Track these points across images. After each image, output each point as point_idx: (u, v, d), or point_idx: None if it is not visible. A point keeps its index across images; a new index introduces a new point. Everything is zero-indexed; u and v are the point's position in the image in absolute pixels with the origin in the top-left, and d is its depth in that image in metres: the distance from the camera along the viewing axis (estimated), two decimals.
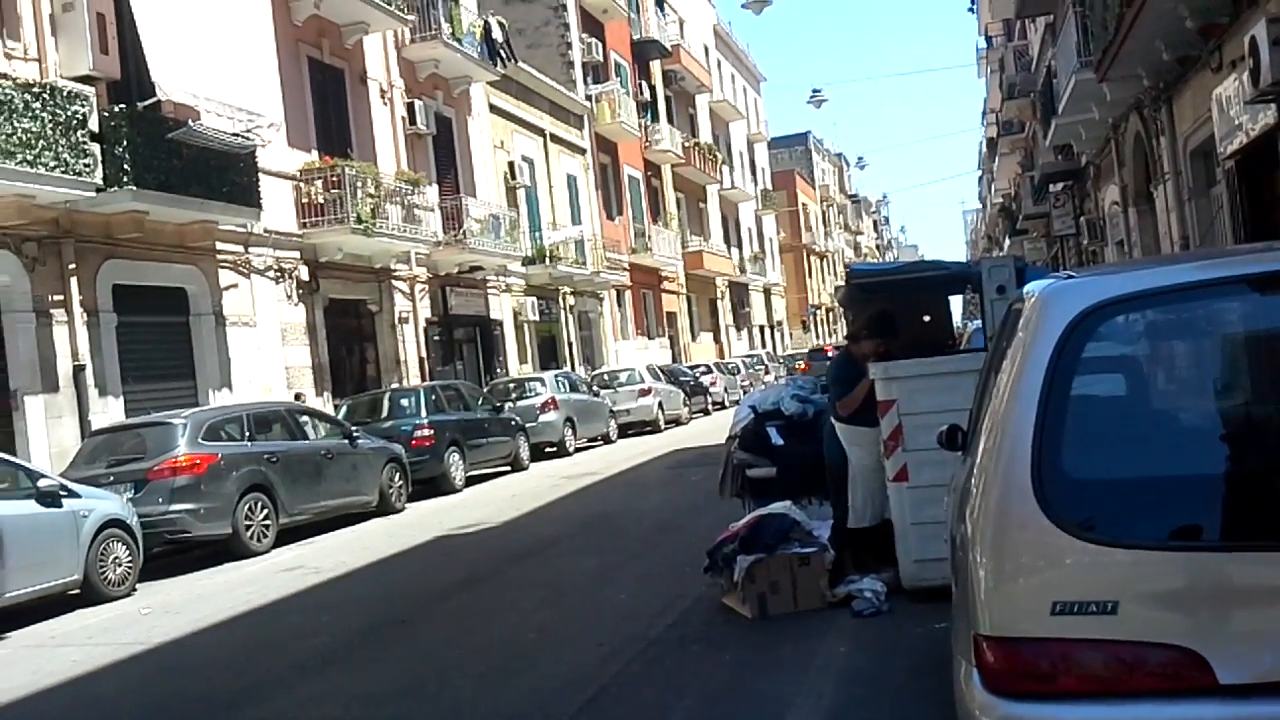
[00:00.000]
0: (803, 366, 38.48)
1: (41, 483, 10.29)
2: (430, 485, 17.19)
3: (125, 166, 14.40)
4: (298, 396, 17.62)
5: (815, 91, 49.73)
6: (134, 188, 14.53)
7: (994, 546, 2.91)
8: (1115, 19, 13.24)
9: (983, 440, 3.18)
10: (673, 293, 42.28)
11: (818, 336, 70.69)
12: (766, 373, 40.65)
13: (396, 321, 22.57)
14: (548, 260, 29.11)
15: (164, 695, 6.92)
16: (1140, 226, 19.91)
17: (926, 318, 9.22)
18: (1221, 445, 3.00)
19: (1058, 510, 2.77)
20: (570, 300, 32.01)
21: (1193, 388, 3.22)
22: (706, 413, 31.46)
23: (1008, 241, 51.86)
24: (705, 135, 49.27)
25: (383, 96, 23.22)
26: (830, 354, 45.80)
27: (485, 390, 22.43)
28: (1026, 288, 3.60)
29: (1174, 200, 15.88)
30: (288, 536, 13.36)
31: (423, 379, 22.29)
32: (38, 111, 13.22)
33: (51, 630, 9.53)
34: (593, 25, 36.94)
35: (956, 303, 22.79)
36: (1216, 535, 2.78)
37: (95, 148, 14.06)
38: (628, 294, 37.04)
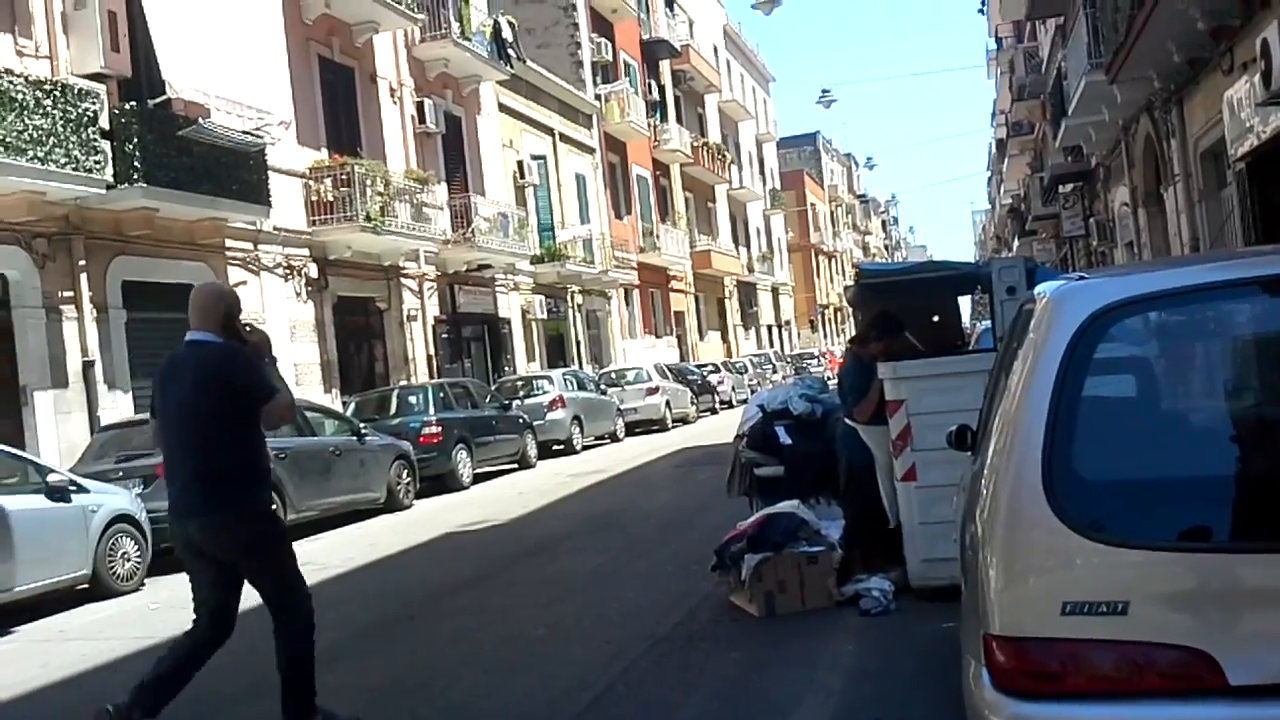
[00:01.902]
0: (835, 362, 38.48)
1: (51, 478, 10.32)
2: (438, 482, 17.23)
3: (135, 163, 14.46)
4: None
5: (824, 92, 49.68)
6: (144, 185, 14.59)
7: (1004, 546, 2.91)
8: (1126, 20, 13.22)
9: (993, 440, 3.18)
10: (681, 292, 42.29)
11: (825, 336, 70.66)
12: (774, 372, 40.64)
13: (405, 319, 22.61)
14: (556, 259, 29.13)
15: None
16: (1150, 228, 19.88)
17: (936, 318, 9.22)
18: (1232, 446, 3.00)
19: (1068, 511, 2.77)
20: (578, 299, 32.03)
21: (1203, 389, 3.22)
22: (714, 411, 31.47)
23: (1017, 242, 51.79)
24: (714, 135, 49.28)
25: (392, 95, 23.26)
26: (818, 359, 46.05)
27: (493, 388, 22.46)
28: (1038, 289, 3.60)
29: (1184, 202, 15.85)
30: (295, 533, 13.32)
31: (431, 376, 22.33)
32: (49, 108, 13.27)
33: (60, 624, 9.56)
34: (602, 25, 36.96)
35: (965, 303, 22.78)
36: (1226, 536, 2.78)
37: (106, 145, 14.12)
38: (636, 293, 37.06)
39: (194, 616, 5.36)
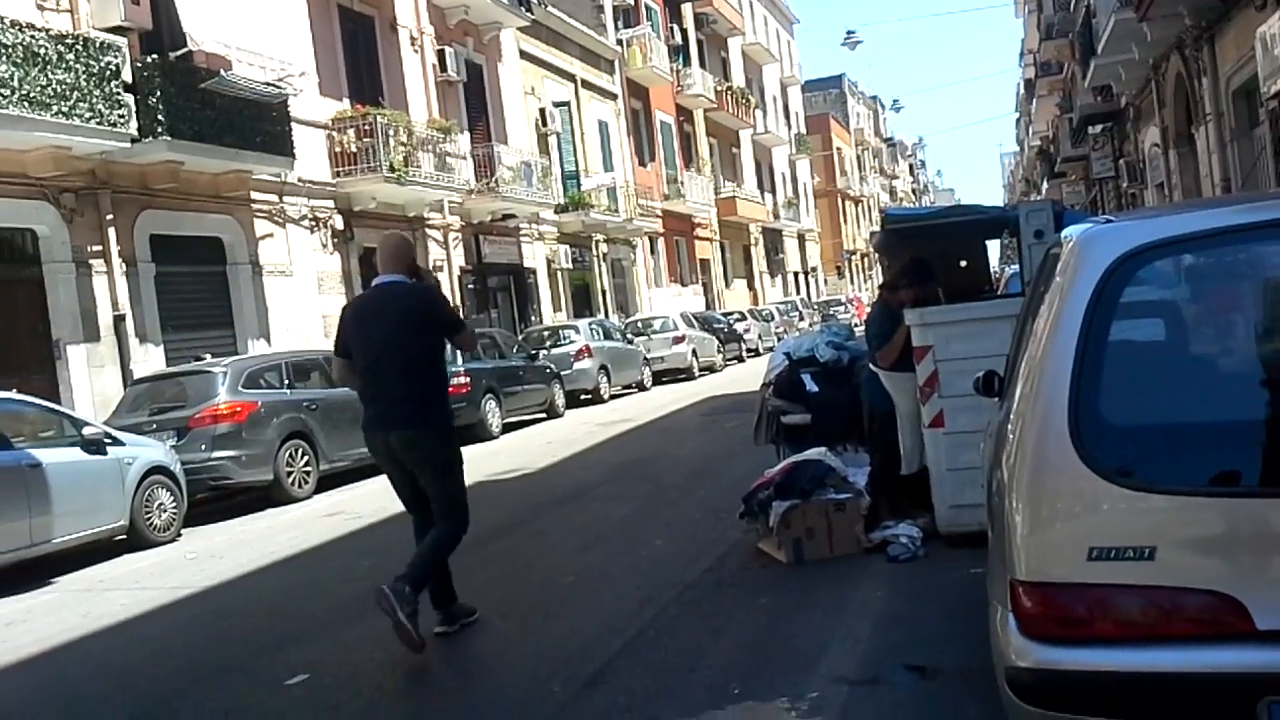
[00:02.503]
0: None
1: (86, 430, 10.47)
2: (467, 432, 17.30)
3: (159, 117, 14.48)
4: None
5: (849, 33, 49.21)
6: (168, 138, 14.62)
7: (1031, 492, 2.92)
8: None
9: (1020, 386, 3.18)
10: (706, 239, 42.11)
11: (852, 283, 70.30)
12: (801, 319, 40.52)
13: (430, 269, 22.61)
14: (580, 208, 29.04)
15: (211, 637, 7.08)
16: (1181, 169, 19.63)
17: (963, 263, 9.16)
18: (1261, 391, 2.98)
19: (1095, 456, 2.78)
20: (603, 248, 31.97)
21: (1232, 333, 3.19)
22: (740, 360, 31.44)
23: (1045, 185, 51.25)
24: (738, 79, 48.78)
25: (413, 44, 23.13)
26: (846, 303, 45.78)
27: (520, 338, 22.51)
28: (1064, 232, 3.58)
29: (1216, 142, 15.63)
30: (328, 483, 13.54)
31: None
32: (71, 63, 13.29)
33: (100, 575, 9.74)
34: None
35: (994, 247, 22.60)
36: (1255, 481, 2.77)
37: (129, 98, 14.14)
38: (661, 241, 36.94)
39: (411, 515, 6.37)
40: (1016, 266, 9.56)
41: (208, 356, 14.44)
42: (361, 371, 6.07)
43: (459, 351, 18.01)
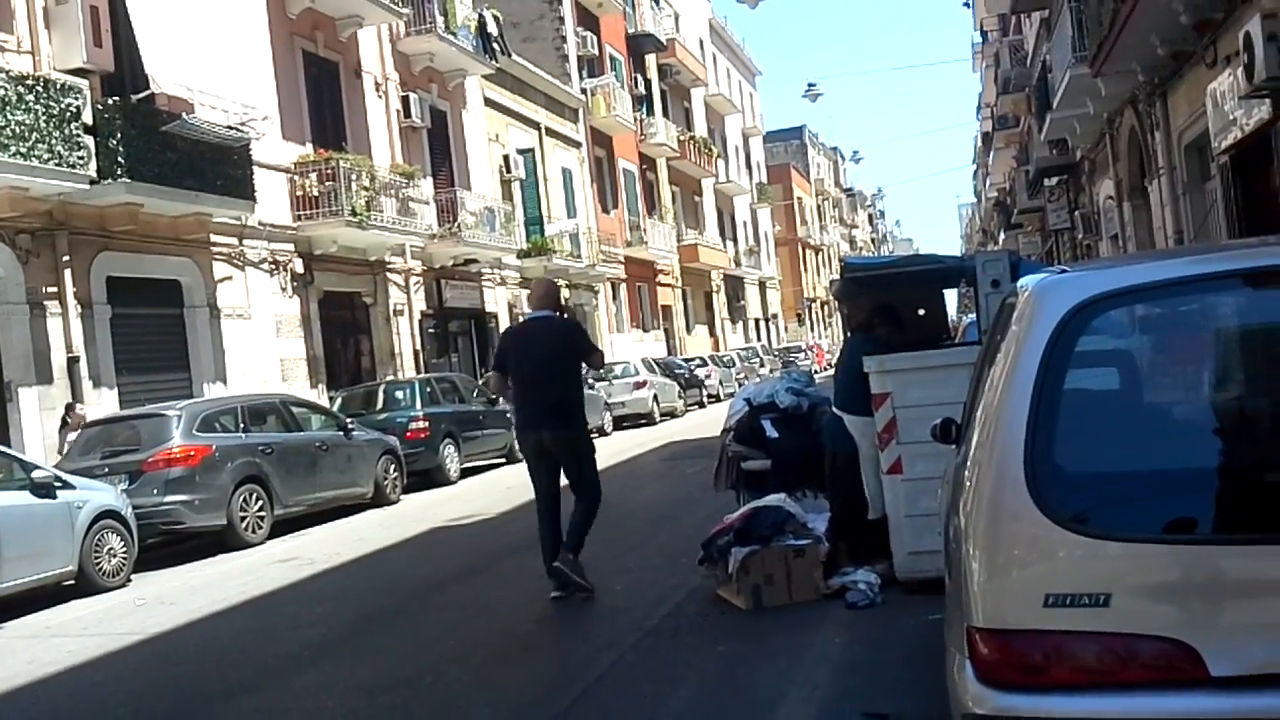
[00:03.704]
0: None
1: (36, 474, 10.30)
2: (425, 477, 17.21)
3: (119, 159, 14.40)
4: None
5: (810, 85, 49.82)
6: (128, 180, 14.54)
7: (987, 539, 2.92)
8: (1110, 14, 13.26)
9: (976, 433, 3.19)
10: (668, 286, 42.28)
11: (812, 330, 70.75)
12: (761, 366, 40.68)
13: (391, 314, 22.56)
14: (543, 253, 29.08)
15: (159, 685, 6.93)
16: (1135, 221, 19.97)
17: (921, 311, 9.23)
18: (1215, 439, 3.01)
19: (1051, 503, 2.78)
20: (565, 293, 31.98)
21: (1186, 382, 3.23)
22: (702, 405, 31.49)
23: (1002, 235, 51.95)
24: (700, 129, 49.26)
25: (377, 90, 23.19)
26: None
27: (480, 382, 22.41)
28: (1020, 282, 3.61)
29: (1168, 195, 15.92)
30: (282, 528, 13.37)
31: (418, 371, 22.31)
32: (31, 104, 13.21)
33: (46, 621, 9.54)
34: (588, 19, 36.90)
35: (951, 296, 22.82)
36: (1210, 528, 2.79)
37: (89, 140, 14.06)
38: (623, 287, 37.05)
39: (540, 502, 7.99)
40: (973, 315, 9.66)
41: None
42: (519, 383, 7.86)
43: (417, 396, 18.06)
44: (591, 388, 25.22)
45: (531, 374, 7.71)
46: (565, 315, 8.23)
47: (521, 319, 8.00)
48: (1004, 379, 3.01)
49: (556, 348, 7.72)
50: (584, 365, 8.25)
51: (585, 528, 7.81)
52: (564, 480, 8.00)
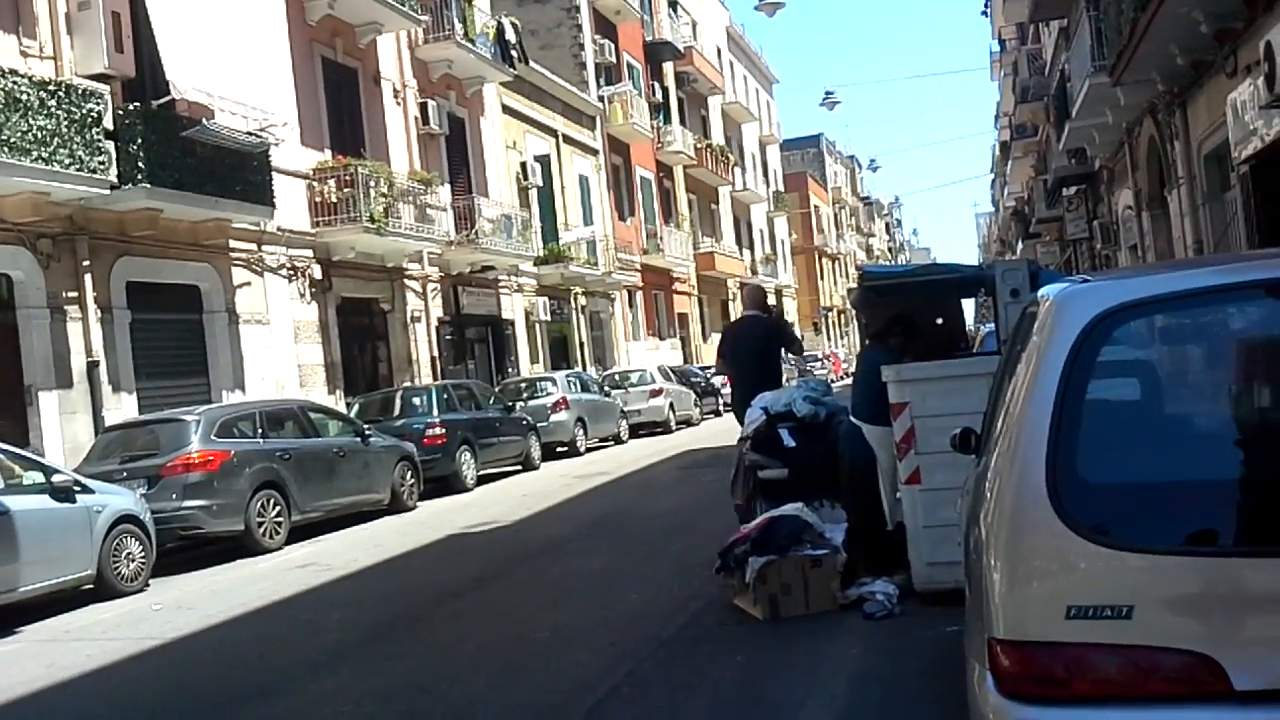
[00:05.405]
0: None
1: (56, 478, 10.33)
2: (442, 484, 17.23)
3: (140, 164, 14.48)
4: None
5: (828, 94, 49.86)
6: (148, 185, 14.61)
7: (1008, 550, 2.90)
8: (1129, 23, 13.21)
9: (997, 444, 3.18)
10: (684, 294, 42.28)
11: (829, 339, 70.62)
12: None
13: (409, 320, 22.62)
14: (559, 260, 29.14)
15: (176, 690, 6.96)
16: (1154, 231, 19.87)
17: (940, 320, 9.21)
18: (1237, 450, 2.98)
19: (1072, 514, 2.77)
20: (582, 300, 32.04)
21: (1208, 392, 3.20)
22: (718, 414, 31.39)
23: (1020, 245, 51.77)
24: (717, 137, 49.26)
25: (396, 96, 23.28)
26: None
27: (497, 389, 22.47)
28: (1041, 291, 3.59)
29: (1188, 205, 15.84)
30: (300, 534, 13.41)
31: (435, 378, 22.35)
32: (53, 109, 13.30)
33: (65, 625, 9.57)
34: (605, 27, 36.97)
35: (970, 306, 22.76)
36: (1232, 540, 2.77)
37: (110, 145, 14.14)
38: (639, 294, 37.07)
39: None
40: (992, 325, 9.65)
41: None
42: (735, 366, 9.97)
43: (434, 402, 18.14)
44: (608, 395, 25.34)
45: (745, 361, 9.68)
46: (770, 314, 10.32)
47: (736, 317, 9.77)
48: (1025, 389, 2.99)
49: (761, 339, 9.69)
50: (786, 352, 10.50)
51: None
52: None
